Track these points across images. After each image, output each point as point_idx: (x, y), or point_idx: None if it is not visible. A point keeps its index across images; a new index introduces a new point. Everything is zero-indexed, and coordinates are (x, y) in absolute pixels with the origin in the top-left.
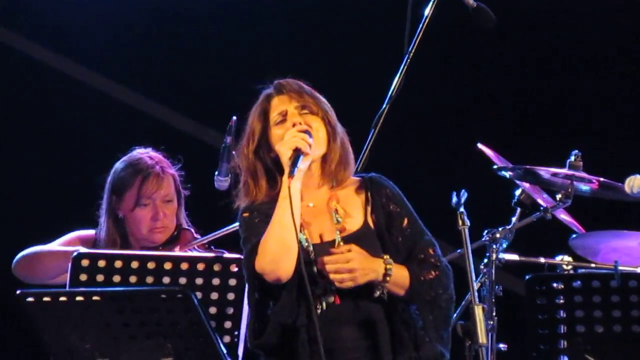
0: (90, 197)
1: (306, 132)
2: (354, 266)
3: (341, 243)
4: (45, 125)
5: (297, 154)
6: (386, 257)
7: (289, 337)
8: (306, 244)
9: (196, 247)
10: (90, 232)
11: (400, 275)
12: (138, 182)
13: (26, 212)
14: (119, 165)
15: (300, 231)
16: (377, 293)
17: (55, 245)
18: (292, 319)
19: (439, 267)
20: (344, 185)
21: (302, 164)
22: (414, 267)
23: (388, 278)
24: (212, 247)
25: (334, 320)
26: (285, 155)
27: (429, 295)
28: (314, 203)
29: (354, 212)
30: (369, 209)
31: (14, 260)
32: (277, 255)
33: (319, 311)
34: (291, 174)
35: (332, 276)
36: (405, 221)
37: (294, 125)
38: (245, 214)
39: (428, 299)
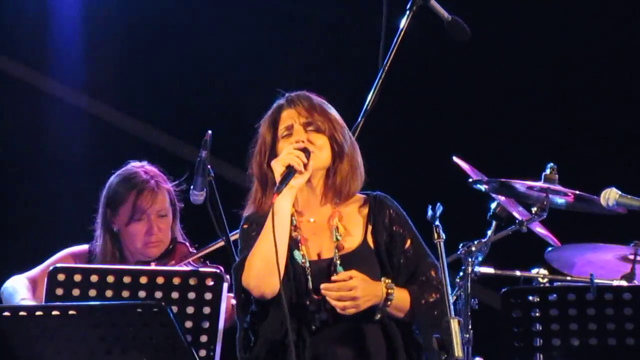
0: (74, 212)
1: (304, 149)
2: (356, 294)
3: (338, 262)
4: (25, 144)
5: (288, 171)
6: (387, 281)
7: (277, 353)
8: (303, 260)
9: (191, 262)
10: (84, 247)
11: (401, 299)
12: (132, 197)
13: (19, 229)
14: (113, 179)
15: (298, 247)
16: (378, 316)
17: (26, 282)
18: (280, 335)
19: (440, 290)
20: (347, 203)
21: (295, 181)
22: (416, 289)
23: (389, 302)
24: (207, 262)
25: (328, 338)
26: (277, 172)
27: (430, 316)
28: (315, 219)
29: (355, 230)
30: (369, 228)
31: (0, 289)
32: (262, 272)
33: (313, 328)
34: (277, 190)
35: (334, 303)
36: (408, 242)
37: (296, 142)
38: (245, 225)
39: (429, 320)
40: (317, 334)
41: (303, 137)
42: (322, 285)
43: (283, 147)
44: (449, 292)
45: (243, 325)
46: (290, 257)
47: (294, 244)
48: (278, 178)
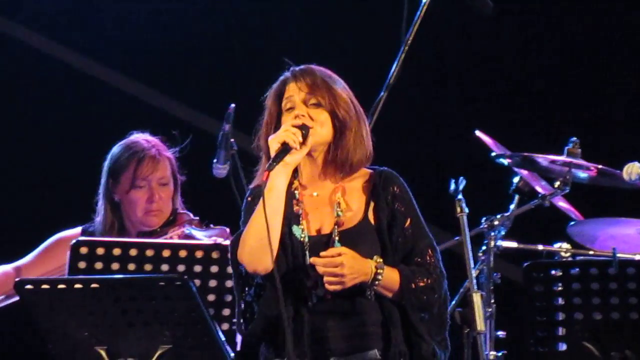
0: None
1: (302, 126)
2: (342, 271)
3: (337, 238)
4: (42, 115)
5: (283, 147)
6: (379, 260)
7: (275, 327)
8: (302, 235)
9: (194, 226)
10: (76, 229)
11: (390, 279)
12: (134, 164)
13: (24, 204)
14: (115, 149)
15: (298, 222)
16: (368, 293)
17: (10, 267)
18: (277, 310)
19: (432, 274)
20: (353, 177)
21: (290, 157)
22: (407, 271)
23: (377, 282)
24: (210, 224)
25: (324, 312)
26: (272, 149)
27: (419, 300)
28: (318, 193)
29: (357, 206)
30: (372, 204)
31: None
32: (255, 249)
33: (310, 304)
34: (269, 168)
35: (324, 278)
36: (408, 221)
37: (296, 117)
38: (249, 198)
39: (417, 304)
40: (315, 309)
41: (303, 112)
42: (311, 259)
43: (285, 120)
44: (472, 266)
45: (245, 298)
46: (289, 232)
47: (294, 218)
48: (272, 155)
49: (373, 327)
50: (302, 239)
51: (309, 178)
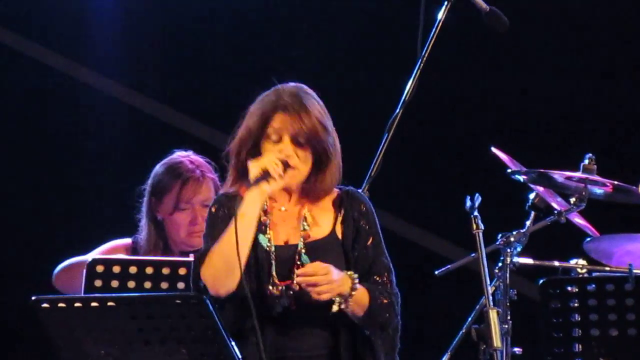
0: (117, 204)
1: (285, 163)
2: (332, 278)
3: (303, 250)
4: (58, 131)
5: (263, 175)
6: (350, 273)
7: (237, 341)
8: (268, 245)
9: None
10: (127, 240)
11: (362, 293)
12: (178, 186)
13: (56, 221)
14: (159, 168)
15: (265, 232)
16: (336, 308)
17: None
18: (236, 328)
19: (391, 294)
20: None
21: (267, 186)
22: (373, 288)
23: (354, 292)
24: None
25: (289, 325)
26: (252, 172)
27: (382, 318)
28: (286, 208)
29: (324, 221)
30: (339, 219)
31: (54, 272)
32: (220, 273)
33: (274, 314)
34: (248, 186)
35: (310, 289)
36: (370, 240)
37: (285, 156)
38: (213, 209)
39: (381, 321)
40: (279, 320)
41: (290, 152)
42: (299, 271)
43: (267, 148)
44: (488, 282)
45: None
46: (255, 241)
47: (261, 227)
48: (252, 179)
49: (341, 342)
50: (268, 248)
51: (280, 195)
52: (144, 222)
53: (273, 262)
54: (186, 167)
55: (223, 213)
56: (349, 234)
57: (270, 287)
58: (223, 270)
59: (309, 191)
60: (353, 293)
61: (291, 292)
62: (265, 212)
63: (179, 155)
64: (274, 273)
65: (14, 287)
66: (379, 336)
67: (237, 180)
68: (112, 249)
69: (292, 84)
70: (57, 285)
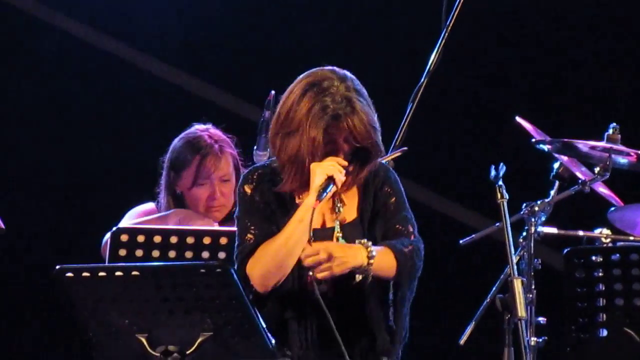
0: (141, 175)
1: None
2: (331, 253)
3: (340, 234)
4: (91, 107)
5: (328, 182)
6: (363, 241)
7: (278, 328)
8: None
9: None
10: (151, 205)
11: (383, 256)
12: (196, 161)
13: (80, 193)
14: (177, 142)
15: None
16: (359, 278)
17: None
18: (280, 310)
19: (413, 241)
20: None
21: (328, 194)
22: (394, 242)
23: (372, 260)
24: None
25: (329, 309)
26: (318, 178)
27: (411, 267)
28: None
29: (353, 201)
30: (366, 196)
31: (102, 243)
32: (270, 272)
33: (314, 300)
34: (319, 198)
35: (313, 268)
36: (393, 199)
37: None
38: (248, 190)
39: (410, 272)
40: (318, 305)
41: (346, 163)
42: (303, 255)
43: (326, 155)
44: (512, 252)
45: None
46: None
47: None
48: (316, 185)
49: (376, 322)
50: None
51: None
52: (162, 195)
53: (312, 244)
54: (205, 141)
55: (261, 201)
56: (367, 209)
57: (310, 273)
58: (274, 269)
59: (354, 180)
60: (371, 261)
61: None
62: (299, 197)
63: (198, 129)
64: None
65: (47, 256)
66: (407, 285)
67: (290, 180)
68: (141, 214)
69: (337, 72)
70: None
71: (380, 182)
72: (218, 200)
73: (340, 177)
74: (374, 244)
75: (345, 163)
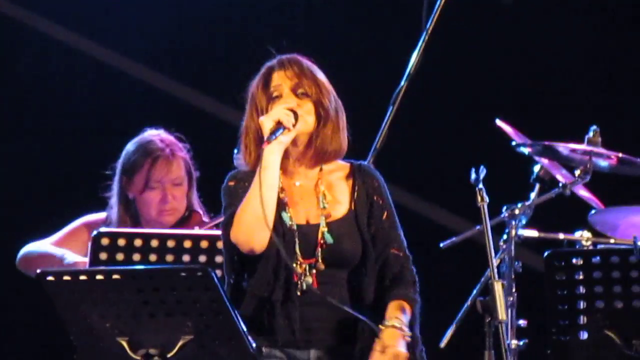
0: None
1: (293, 111)
2: (401, 355)
3: (325, 229)
4: (59, 106)
5: (277, 126)
6: (387, 324)
7: (265, 311)
8: (290, 223)
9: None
10: (100, 215)
11: (405, 315)
12: (147, 165)
13: (35, 197)
14: (130, 146)
15: (285, 209)
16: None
17: (48, 244)
18: (267, 292)
19: (406, 264)
20: (332, 170)
21: (283, 137)
22: (405, 291)
23: (407, 335)
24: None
25: (313, 301)
26: (266, 127)
27: (415, 295)
28: (301, 183)
29: (341, 197)
30: (355, 195)
31: (17, 257)
32: (251, 227)
33: (298, 293)
34: (267, 139)
35: None
36: (385, 214)
37: (286, 103)
38: (231, 183)
39: (416, 299)
40: (304, 295)
41: (292, 101)
42: None
43: (272, 107)
44: (493, 255)
45: (230, 281)
46: (279, 218)
47: (281, 205)
48: (267, 133)
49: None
50: (290, 226)
51: (291, 167)
52: (114, 201)
53: (296, 240)
54: (156, 145)
55: (243, 186)
56: (363, 211)
57: (295, 265)
58: (253, 224)
59: (315, 151)
60: (407, 334)
61: (314, 271)
62: (281, 189)
63: (150, 133)
64: (298, 251)
65: None
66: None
67: (254, 154)
68: (80, 227)
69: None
70: (20, 269)
71: (370, 189)
72: (170, 203)
73: (287, 119)
74: (364, 243)
75: (291, 105)
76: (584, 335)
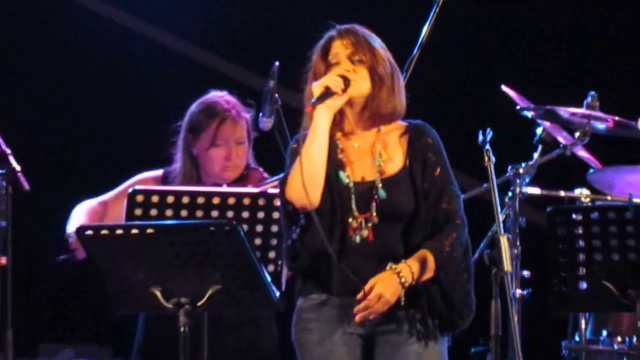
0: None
1: (344, 77)
2: (386, 298)
3: (380, 185)
4: (101, 76)
5: (326, 91)
6: (392, 268)
7: (321, 262)
8: (347, 181)
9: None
10: (157, 172)
11: (421, 266)
12: (215, 125)
13: (92, 159)
14: (196, 107)
15: (343, 169)
16: (403, 302)
17: (96, 203)
18: (323, 246)
19: (457, 225)
20: (389, 130)
21: (332, 101)
22: (432, 243)
23: (406, 284)
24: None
25: (367, 253)
26: (315, 92)
27: (452, 262)
28: (359, 144)
29: (395, 156)
30: (410, 153)
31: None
32: (302, 185)
33: (354, 243)
34: (312, 104)
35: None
36: (438, 170)
37: (341, 69)
38: (294, 145)
39: (451, 264)
40: (358, 248)
41: (348, 67)
42: (357, 317)
43: (329, 73)
44: (499, 211)
45: (291, 235)
46: (336, 177)
47: (340, 165)
48: (315, 95)
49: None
50: (347, 184)
51: (350, 129)
52: (179, 156)
53: (352, 196)
54: (223, 106)
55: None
56: (418, 168)
57: (350, 220)
58: (305, 182)
59: (371, 114)
60: (406, 285)
61: (369, 225)
62: (340, 150)
63: (215, 95)
64: (353, 207)
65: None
66: (453, 272)
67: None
68: (142, 180)
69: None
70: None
71: (424, 146)
72: (233, 161)
73: (336, 85)
74: (418, 198)
75: (342, 72)
76: (583, 286)
